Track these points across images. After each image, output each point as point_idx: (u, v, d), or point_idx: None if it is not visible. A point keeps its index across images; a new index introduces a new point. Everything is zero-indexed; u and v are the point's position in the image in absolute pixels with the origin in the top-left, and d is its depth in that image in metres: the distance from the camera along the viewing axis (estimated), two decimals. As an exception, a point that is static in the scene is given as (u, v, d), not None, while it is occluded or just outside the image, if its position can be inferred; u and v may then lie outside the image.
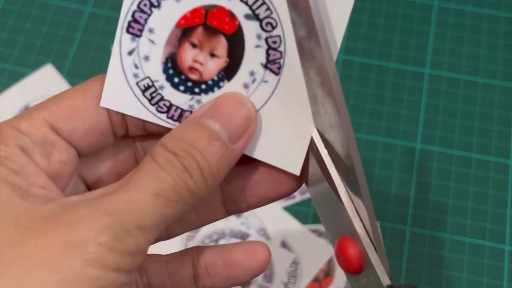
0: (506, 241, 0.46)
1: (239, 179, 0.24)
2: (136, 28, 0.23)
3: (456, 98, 0.51)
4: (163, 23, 0.23)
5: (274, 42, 0.22)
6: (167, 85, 0.23)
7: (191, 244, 0.45)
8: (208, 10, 0.22)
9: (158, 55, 0.23)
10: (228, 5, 0.22)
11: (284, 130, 0.23)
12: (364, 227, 0.22)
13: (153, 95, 0.23)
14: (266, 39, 0.22)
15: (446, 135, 0.49)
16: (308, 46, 0.21)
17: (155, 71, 0.23)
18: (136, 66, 0.23)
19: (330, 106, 0.21)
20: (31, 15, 0.54)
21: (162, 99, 0.23)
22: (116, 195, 0.20)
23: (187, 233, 0.45)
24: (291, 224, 0.45)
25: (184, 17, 0.22)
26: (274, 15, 0.22)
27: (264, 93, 0.23)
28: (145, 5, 0.23)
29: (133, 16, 0.23)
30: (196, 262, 0.24)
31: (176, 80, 0.23)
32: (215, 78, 0.23)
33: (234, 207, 0.25)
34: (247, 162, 0.24)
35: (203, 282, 0.24)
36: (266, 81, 0.23)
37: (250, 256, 0.24)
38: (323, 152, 0.23)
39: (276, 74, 0.22)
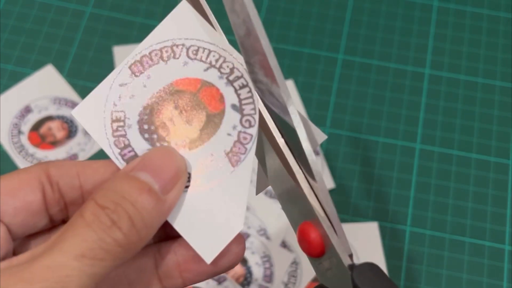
0: (506, 241, 0.46)
1: (173, 254, 0.24)
2: (138, 69, 0.24)
3: (456, 98, 0.51)
4: (162, 76, 0.24)
5: (245, 138, 0.23)
6: (135, 127, 0.24)
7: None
8: (204, 84, 0.24)
9: (143, 99, 0.24)
10: (222, 89, 0.24)
11: (214, 219, 0.23)
12: (324, 210, 0.22)
13: (119, 128, 0.24)
14: (239, 132, 0.23)
15: (446, 135, 0.49)
16: (249, 42, 0.21)
17: (133, 110, 0.24)
18: (119, 98, 0.24)
19: (276, 91, 0.21)
20: (32, 15, 0.54)
21: (124, 135, 0.24)
22: (40, 260, 0.19)
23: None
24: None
25: (183, 80, 0.24)
26: (255, 116, 0.23)
27: (214, 176, 0.23)
28: (156, 55, 0.24)
29: (141, 59, 0.24)
30: None
31: (145, 127, 0.24)
32: (178, 142, 0.24)
33: (170, 283, 0.24)
34: (181, 237, 0.23)
35: None
36: (220, 167, 0.23)
37: None
38: (280, 142, 0.23)
39: (233, 166, 0.23)
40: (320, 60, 0.52)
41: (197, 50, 0.24)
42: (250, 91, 0.24)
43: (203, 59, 0.24)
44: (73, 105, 0.50)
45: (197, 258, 0.23)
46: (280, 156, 0.23)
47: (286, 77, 0.51)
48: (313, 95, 0.51)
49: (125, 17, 0.54)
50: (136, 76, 0.24)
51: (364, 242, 0.45)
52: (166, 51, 0.24)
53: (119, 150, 0.24)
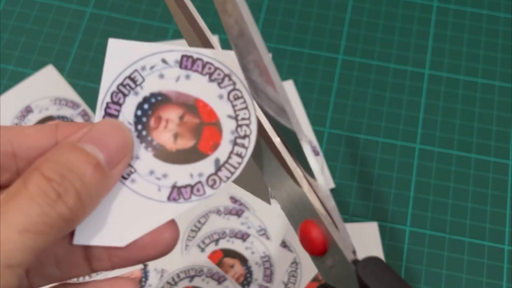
0: (506, 241, 0.46)
1: None
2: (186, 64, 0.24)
3: (456, 99, 0.51)
4: (190, 87, 0.24)
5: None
6: (139, 99, 0.24)
7: (191, 243, 0.45)
8: (211, 124, 0.24)
9: (165, 87, 0.24)
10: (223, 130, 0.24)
11: (143, 213, 0.23)
12: (324, 208, 0.22)
13: (127, 87, 0.24)
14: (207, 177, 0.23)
15: (446, 135, 0.49)
16: (242, 42, 0.21)
17: (151, 85, 0.24)
18: (151, 67, 0.24)
19: (271, 93, 0.21)
20: (32, 15, 0.54)
21: (124, 95, 0.24)
22: None
23: (187, 233, 0.45)
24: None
25: (204, 104, 0.24)
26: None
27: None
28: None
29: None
30: None
31: (145, 106, 0.24)
32: (159, 140, 0.24)
33: (97, 265, 0.24)
34: None
35: None
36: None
37: None
38: (276, 141, 0.23)
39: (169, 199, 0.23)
40: (320, 61, 0.52)
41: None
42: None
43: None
44: (74, 105, 0.50)
45: (128, 245, 0.23)
46: (277, 155, 0.23)
47: (286, 77, 0.51)
48: (313, 95, 0.51)
49: (125, 18, 0.54)
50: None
51: (363, 242, 0.45)
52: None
53: (109, 100, 0.23)
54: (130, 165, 0.23)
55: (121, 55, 0.24)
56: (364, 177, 0.48)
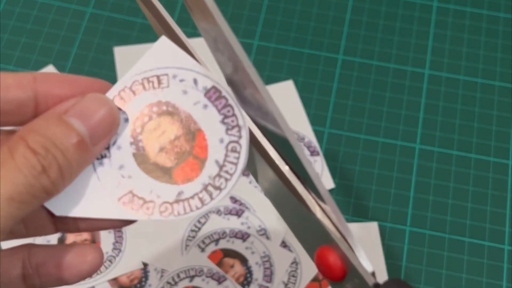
0: (506, 241, 0.46)
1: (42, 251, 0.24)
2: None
3: (456, 99, 0.51)
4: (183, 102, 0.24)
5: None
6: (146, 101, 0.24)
7: (191, 243, 0.45)
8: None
9: (167, 98, 0.24)
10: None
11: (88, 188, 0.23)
12: (339, 232, 0.22)
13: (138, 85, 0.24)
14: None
15: (446, 135, 0.49)
16: (237, 78, 0.21)
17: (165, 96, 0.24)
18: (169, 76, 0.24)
19: (272, 125, 0.21)
20: (32, 15, 0.54)
21: (134, 93, 0.24)
22: None
23: (187, 233, 0.45)
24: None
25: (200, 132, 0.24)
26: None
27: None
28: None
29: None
30: (27, 262, 0.24)
31: (154, 110, 0.24)
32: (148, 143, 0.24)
33: (63, 227, 0.24)
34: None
35: (32, 281, 0.24)
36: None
37: (82, 258, 0.23)
38: (285, 169, 0.23)
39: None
40: (320, 61, 0.52)
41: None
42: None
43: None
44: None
45: (59, 264, 0.23)
46: (287, 184, 0.23)
47: (286, 77, 0.51)
48: (313, 95, 0.51)
49: (125, 18, 0.54)
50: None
51: (363, 242, 0.45)
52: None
53: (129, 86, 0.24)
54: (107, 149, 0.23)
55: (163, 55, 0.24)
56: (364, 177, 0.48)
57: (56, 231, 0.25)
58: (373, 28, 0.54)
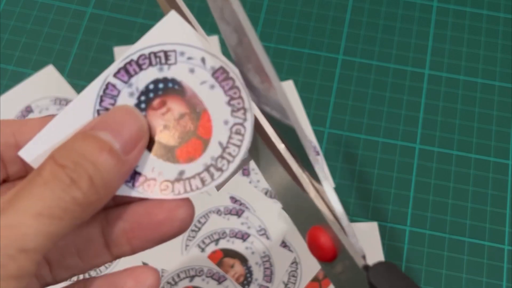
0: (506, 241, 0.46)
1: (120, 221, 0.23)
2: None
3: (456, 99, 0.51)
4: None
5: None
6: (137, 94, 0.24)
7: (191, 243, 0.45)
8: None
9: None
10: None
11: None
12: (332, 213, 0.22)
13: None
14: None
15: (446, 136, 0.49)
16: (241, 50, 0.21)
17: (147, 78, 0.24)
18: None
19: (274, 98, 0.21)
20: (32, 15, 0.54)
21: (118, 91, 0.24)
22: None
23: (187, 233, 0.45)
24: (291, 224, 0.45)
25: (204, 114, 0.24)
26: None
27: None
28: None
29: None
30: None
31: (143, 98, 0.23)
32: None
33: (118, 251, 0.24)
34: (127, 203, 0.23)
35: None
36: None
37: (137, 282, 0.23)
38: (281, 147, 0.23)
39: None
40: (320, 61, 0.52)
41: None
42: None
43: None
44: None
45: (144, 225, 0.23)
46: (282, 162, 0.23)
47: (286, 77, 0.51)
48: (313, 95, 0.51)
49: (125, 18, 0.54)
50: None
51: (363, 242, 0.45)
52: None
53: (135, 59, 0.24)
54: None
55: (172, 30, 0.24)
56: (364, 177, 0.48)
57: (112, 258, 0.24)
58: (373, 28, 0.54)
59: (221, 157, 0.23)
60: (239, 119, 0.23)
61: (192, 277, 0.44)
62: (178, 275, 0.44)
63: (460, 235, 0.46)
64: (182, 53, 0.23)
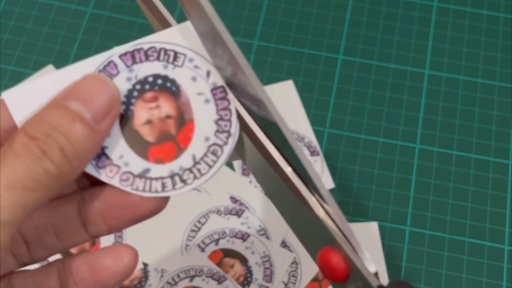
0: (506, 241, 0.46)
1: (96, 201, 0.23)
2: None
3: (456, 99, 0.51)
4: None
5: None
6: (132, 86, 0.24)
7: (191, 243, 0.45)
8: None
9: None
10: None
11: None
12: (342, 233, 0.22)
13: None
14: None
15: (446, 136, 0.49)
16: (237, 81, 0.21)
17: (145, 70, 0.24)
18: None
19: (274, 123, 0.21)
20: (32, 15, 0.54)
21: (118, 71, 0.24)
22: None
23: (187, 233, 0.45)
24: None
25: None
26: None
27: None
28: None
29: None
30: (62, 272, 0.24)
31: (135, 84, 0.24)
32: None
33: (94, 230, 0.24)
34: (102, 183, 0.23)
35: None
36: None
37: (115, 259, 0.23)
38: (288, 171, 0.23)
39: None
40: (320, 61, 0.52)
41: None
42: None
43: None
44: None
45: (120, 205, 0.23)
46: (290, 186, 0.23)
47: (286, 77, 0.51)
48: (313, 95, 0.51)
49: (125, 18, 0.54)
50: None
51: (363, 242, 0.45)
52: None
53: (145, 49, 0.24)
54: None
55: (189, 36, 0.24)
56: (364, 177, 0.48)
57: (88, 237, 0.24)
58: (373, 28, 0.54)
59: (190, 170, 0.23)
60: (220, 141, 0.23)
61: (192, 277, 0.44)
62: (178, 275, 0.44)
63: (460, 235, 0.46)
64: (191, 60, 0.24)
